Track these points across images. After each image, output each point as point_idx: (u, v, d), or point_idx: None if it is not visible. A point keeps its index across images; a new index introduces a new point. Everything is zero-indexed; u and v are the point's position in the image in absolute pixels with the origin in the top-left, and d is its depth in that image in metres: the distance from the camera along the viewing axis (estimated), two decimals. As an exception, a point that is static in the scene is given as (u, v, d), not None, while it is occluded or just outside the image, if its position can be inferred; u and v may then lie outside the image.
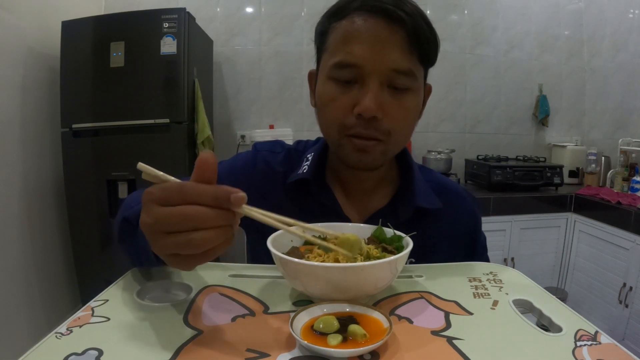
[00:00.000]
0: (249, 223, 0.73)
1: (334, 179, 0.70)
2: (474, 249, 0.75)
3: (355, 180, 0.68)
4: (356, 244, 0.46)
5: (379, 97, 0.56)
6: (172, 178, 0.38)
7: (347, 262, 0.47)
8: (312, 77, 0.66)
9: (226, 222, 0.36)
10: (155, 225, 0.35)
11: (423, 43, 0.56)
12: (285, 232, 0.55)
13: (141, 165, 0.38)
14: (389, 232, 0.56)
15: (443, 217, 0.69)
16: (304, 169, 0.67)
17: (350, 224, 0.60)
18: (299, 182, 0.66)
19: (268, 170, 0.70)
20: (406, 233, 0.55)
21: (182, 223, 0.34)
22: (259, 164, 0.71)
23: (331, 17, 0.60)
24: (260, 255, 0.70)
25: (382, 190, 0.70)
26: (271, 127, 2.66)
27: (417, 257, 0.61)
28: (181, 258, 0.36)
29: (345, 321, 0.40)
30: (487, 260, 0.77)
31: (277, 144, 0.76)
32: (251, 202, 0.69)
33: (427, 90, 0.67)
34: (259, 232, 0.72)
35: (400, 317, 0.45)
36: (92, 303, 0.47)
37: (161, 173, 0.38)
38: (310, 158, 0.68)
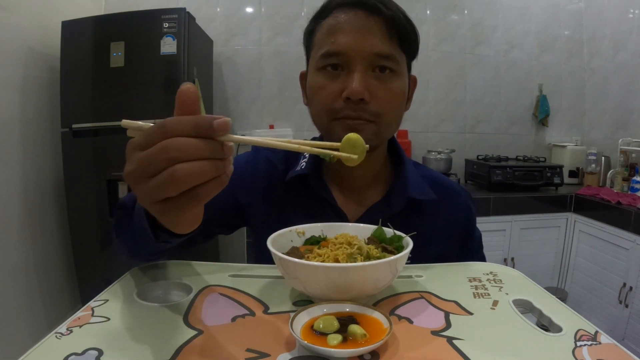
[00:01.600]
0: (248, 224, 0.74)
1: (330, 176, 0.71)
2: (469, 244, 0.76)
3: (351, 176, 0.69)
4: (358, 142, 0.41)
5: (365, 80, 0.59)
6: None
7: (347, 261, 0.47)
8: (303, 77, 0.70)
9: (212, 154, 0.32)
10: (137, 171, 0.32)
11: (401, 30, 0.61)
12: (286, 232, 0.56)
13: (125, 122, 0.34)
14: (389, 232, 0.56)
15: (437, 211, 0.71)
16: (302, 165, 0.69)
17: (350, 224, 0.60)
18: (297, 178, 0.68)
19: (270, 168, 0.72)
20: (399, 225, 0.55)
21: (163, 158, 0.31)
22: (262, 162, 0.73)
23: (316, 18, 0.65)
24: (260, 255, 0.70)
25: (377, 188, 0.71)
26: (271, 127, 2.66)
27: (413, 251, 0.62)
28: (171, 204, 0.33)
29: (345, 321, 0.40)
30: (482, 256, 0.78)
31: None
32: (254, 198, 0.70)
33: (413, 81, 0.70)
34: (258, 233, 0.72)
35: (400, 317, 0.45)
36: (92, 303, 0.47)
37: (143, 123, 0.34)
38: (307, 155, 0.70)
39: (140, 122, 0.34)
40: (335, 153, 0.39)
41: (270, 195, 0.70)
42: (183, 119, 0.31)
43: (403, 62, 0.64)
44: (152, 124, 0.33)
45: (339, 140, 0.52)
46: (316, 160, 0.70)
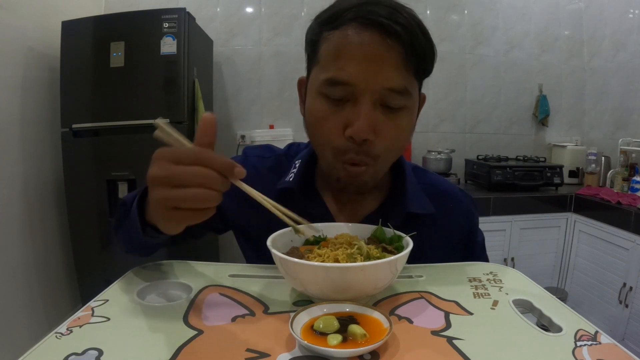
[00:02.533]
0: (233, 228, 0.71)
1: (323, 184, 0.68)
2: (471, 250, 0.74)
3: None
4: None
5: (372, 118, 0.53)
6: (187, 142, 0.42)
7: (347, 261, 0.47)
8: (302, 85, 0.63)
9: (224, 188, 0.40)
10: (165, 178, 0.39)
11: (419, 57, 0.54)
12: (286, 232, 0.56)
13: (159, 122, 0.41)
14: (389, 232, 0.56)
15: (437, 222, 0.67)
16: (291, 177, 0.65)
17: (349, 224, 0.60)
18: (286, 190, 0.65)
19: (256, 177, 0.65)
20: None
21: (192, 179, 0.39)
22: (248, 170, 0.68)
23: (323, 24, 0.56)
24: (251, 258, 0.69)
25: (373, 194, 0.68)
26: (271, 127, 2.66)
27: (410, 263, 0.60)
28: (179, 213, 0.40)
29: (345, 321, 0.40)
30: (486, 260, 0.76)
31: (267, 148, 0.74)
32: (240, 210, 0.66)
33: (422, 100, 0.64)
34: (243, 241, 0.71)
35: (400, 317, 0.45)
36: (92, 303, 0.47)
37: (178, 137, 0.42)
38: (297, 165, 0.66)
39: (174, 133, 0.42)
40: (300, 227, 0.51)
41: (256, 207, 0.62)
42: (214, 157, 0.40)
43: (415, 91, 0.57)
44: (179, 140, 0.42)
45: (339, 181, 0.60)
46: (308, 169, 0.66)
